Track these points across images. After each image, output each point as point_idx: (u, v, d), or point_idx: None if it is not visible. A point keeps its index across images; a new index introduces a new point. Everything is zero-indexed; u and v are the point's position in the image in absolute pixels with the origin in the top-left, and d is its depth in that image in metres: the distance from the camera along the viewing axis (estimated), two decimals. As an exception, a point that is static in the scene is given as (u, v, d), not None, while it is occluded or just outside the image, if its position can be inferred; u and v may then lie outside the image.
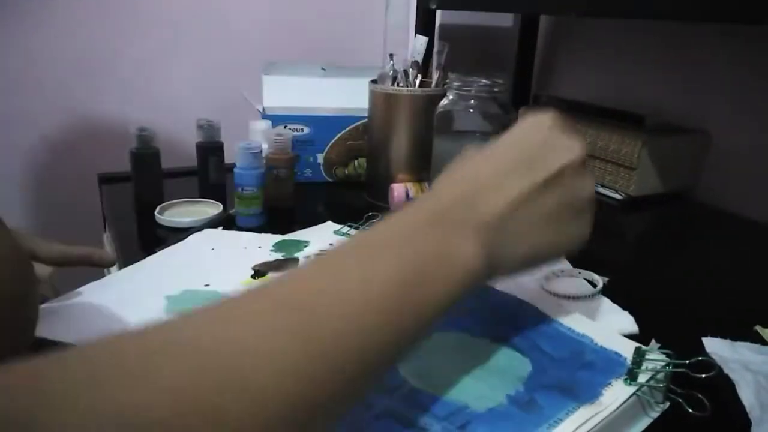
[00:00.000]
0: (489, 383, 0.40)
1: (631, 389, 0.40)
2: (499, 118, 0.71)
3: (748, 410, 0.42)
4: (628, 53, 1.04)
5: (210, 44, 1.26)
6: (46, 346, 0.46)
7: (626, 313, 0.54)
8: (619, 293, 0.58)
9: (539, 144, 0.39)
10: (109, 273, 0.64)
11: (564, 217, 0.39)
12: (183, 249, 0.65)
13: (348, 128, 0.92)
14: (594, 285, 0.59)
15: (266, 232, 0.70)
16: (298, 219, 0.76)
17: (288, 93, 0.91)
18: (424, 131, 0.78)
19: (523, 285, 0.56)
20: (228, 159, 0.88)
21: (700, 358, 0.42)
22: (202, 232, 0.70)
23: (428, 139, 0.74)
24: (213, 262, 0.61)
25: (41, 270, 0.52)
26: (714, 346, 0.50)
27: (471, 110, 0.70)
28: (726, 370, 0.46)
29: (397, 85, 0.83)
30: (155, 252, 0.64)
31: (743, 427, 0.41)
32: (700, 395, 0.41)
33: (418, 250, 0.33)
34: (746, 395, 0.43)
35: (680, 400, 0.40)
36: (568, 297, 0.57)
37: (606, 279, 0.60)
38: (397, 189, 0.79)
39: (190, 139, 0.85)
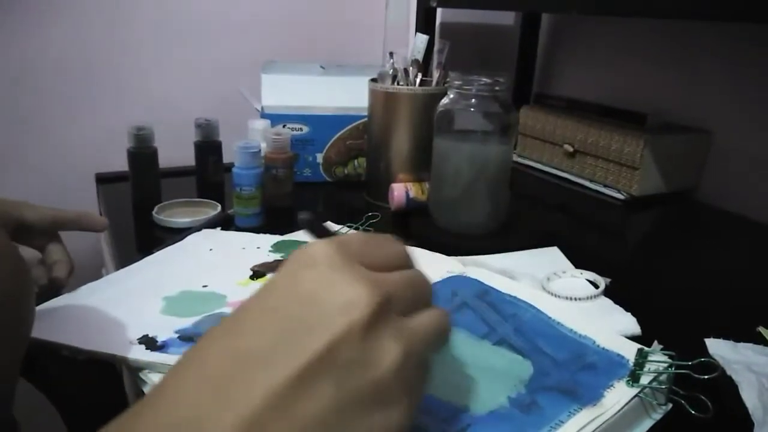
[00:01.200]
0: (490, 385, 0.40)
1: (634, 391, 0.39)
2: (500, 117, 0.70)
3: (750, 412, 0.42)
4: (630, 52, 1.04)
5: (208, 42, 1.26)
6: (43, 347, 0.46)
7: (628, 315, 0.54)
8: (621, 294, 0.58)
9: (302, 304, 0.27)
10: (107, 274, 0.64)
11: (355, 412, 0.26)
12: (181, 249, 0.64)
13: (347, 127, 0.91)
14: (596, 286, 0.59)
15: (265, 232, 0.70)
16: (297, 219, 0.75)
17: (287, 92, 0.90)
18: (424, 130, 0.77)
19: (524, 286, 0.56)
20: (227, 158, 0.88)
21: (702, 360, 0.41)
22: (200, 232, 0.69)
23: (428, 139, 0.74)
24: (211, 263, 0.61)
25: (29, 254, 0.52)
26: (717, 347, 0.50)
27: (472, 109, 0.70)
28: (729, 372, 0.46)
29: (398, 84, 0.82)
30: (153, 252, 0.63)
31: (746, 429, 0.41)
32: (702, 397, 0.40)
33: None
34: (749, 396, 0.43)
35: (683, 401, 0.40)
36: (569, 298, 0.56)
37: (608, 280, 0.59)
38: (397, 189, 0.79)
39: (188, 138, 0.85)
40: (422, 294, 0.32)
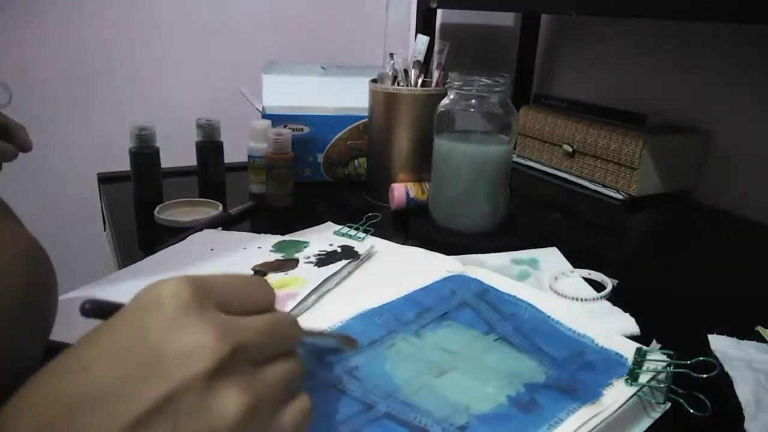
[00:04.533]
0: (489, 384, 0.40)
1: (632, 389, 0.40)
2: (500, 117, 0.70)
3: (743, 406, 0.42)
4: (629, 52, 1.04)
5: (210, 43, 1.26)
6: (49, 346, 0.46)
7: (627, 315, 0.54)
8: (620, 293, 0.58)
9: (141, 349, 0.26)
10: (109, 273, 0.64)
11: None
12: (182, 249, 0.65)
13: (348, 128, 0.92)
14: (602, 286, 0.59)
15: (266, 232, 0.70)
16: (298, 219, 0.76)
17: (288, 92, 0.91)
18: (424, 131, 0.78)
19: (523, 285, 0.56)
20: (228, 158, 0.88)
21: (701, 358, 0.42)
22: (202, 232, 0.69)
23: (429, 139, 0.74)
24: (212, 263, 0.61)
25: None
26: (719, 343, 0.50)
27: (471, 110, 0.70)
28: (727, 368, 0.46)
29: (398, 85, 0.83)
30: (155, 252, 0.63)
31: (739, 422, 0.41)
32: (701, 395, 0.41)
33: None
34: (743, 391, 0.43)
35: (681, 400, 0.40)
36: (576, 298, 0.56)
37: (615, 281, 0.59)
38: (397, 189, 0.79)
39: (189, 138, 0.85)
40: (282, 341, 0.31)
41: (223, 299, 0.28)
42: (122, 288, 0.55)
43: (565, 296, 0.57)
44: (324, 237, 0.68)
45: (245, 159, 0.86)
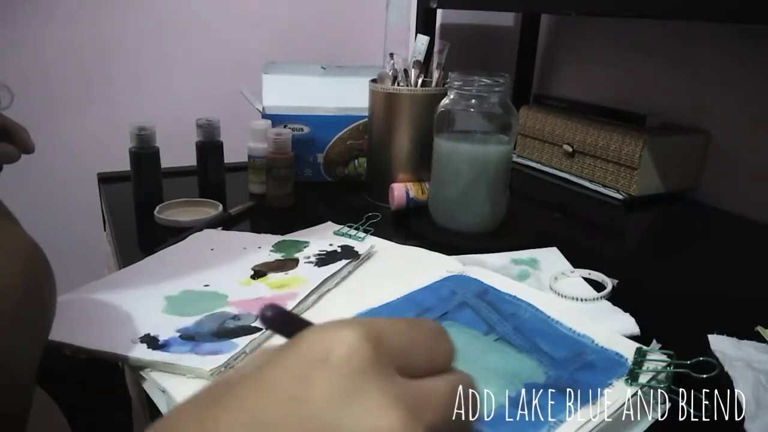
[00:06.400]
0: (490, 384, 0.40)
1: (632, 390, 0.40)
2: (500, 117, 0.70)
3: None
4: (629, 53, 1.04)
5: (210, 43, 1.26)
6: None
7: (627, 315, 0.54)
8: (620, 293, 0.58)
9: (302, 423, 0.19)
10: (109, 273, 0.64)
11: None
12: (182, 249, 0.65)
13: (348, 128, 0.92)
14: (602, 286, 0.59)
15: (266, 232, 0.70)
16: (298, 219, 0.76)
17: (288, 92, 0.91)
18: (424, 131, 0.78)
19: (523, 285, 0.56)
20: (228, 158, 0.88)
21: (701, 359, 0.42)
22: (202, 232, 0.69)
23: (429, 139, 0.74)
24: (212, 263, 0.61)
25: None
26: (719, 343, 0.50)
27: (471, 110, 0.70)
28: (727, 368, 0.46)
29: (398, 85, 0.83)
30: (154, 252, 0.63)
31: (743, 426, 0.41)
32: (701, 395, 0.41)
33: None
34: (743, 391, 0.43)
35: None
36: (576, 298, 0.56)
37: (615, 281, 0.59)
38: (397, 189, 0.79)
39: (189, 138, 0.85)
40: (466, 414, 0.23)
41: (405, 359, 0.21)
42: (122, 288, 0.55)
43: (565, 296, 0.56)
44: (324, 237, 0.68)
45: (245, 159, 0.86)
